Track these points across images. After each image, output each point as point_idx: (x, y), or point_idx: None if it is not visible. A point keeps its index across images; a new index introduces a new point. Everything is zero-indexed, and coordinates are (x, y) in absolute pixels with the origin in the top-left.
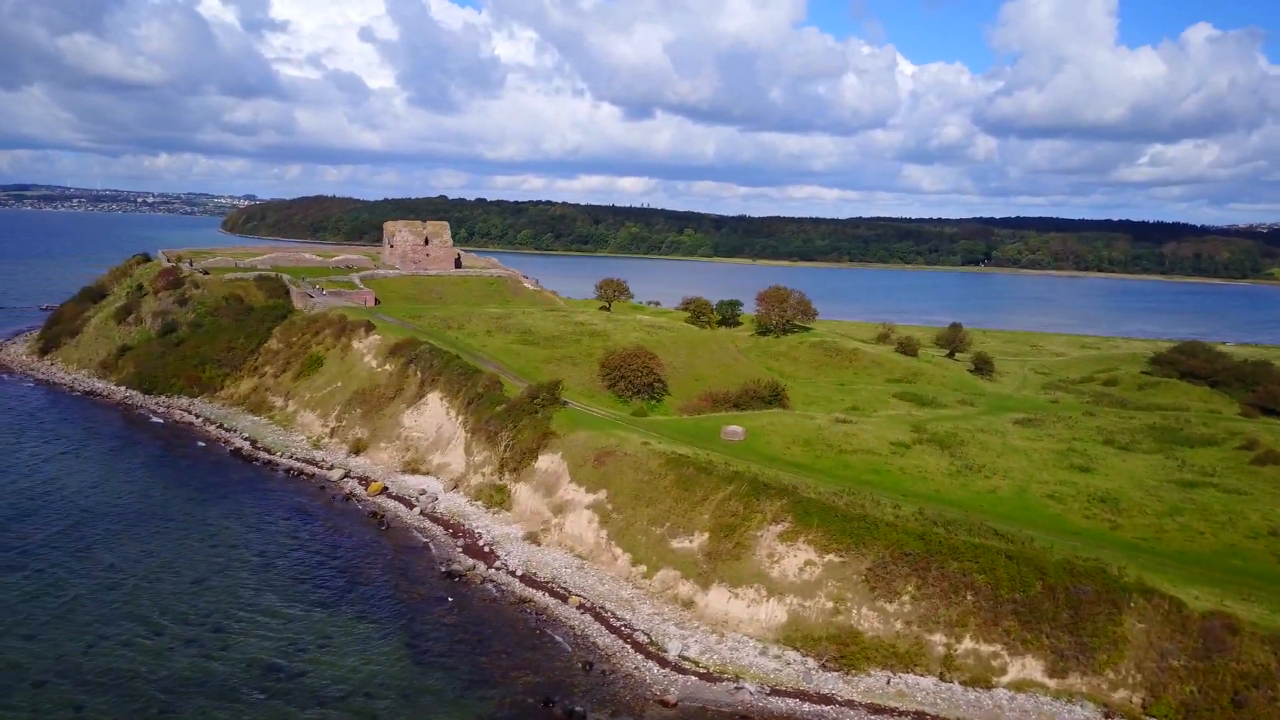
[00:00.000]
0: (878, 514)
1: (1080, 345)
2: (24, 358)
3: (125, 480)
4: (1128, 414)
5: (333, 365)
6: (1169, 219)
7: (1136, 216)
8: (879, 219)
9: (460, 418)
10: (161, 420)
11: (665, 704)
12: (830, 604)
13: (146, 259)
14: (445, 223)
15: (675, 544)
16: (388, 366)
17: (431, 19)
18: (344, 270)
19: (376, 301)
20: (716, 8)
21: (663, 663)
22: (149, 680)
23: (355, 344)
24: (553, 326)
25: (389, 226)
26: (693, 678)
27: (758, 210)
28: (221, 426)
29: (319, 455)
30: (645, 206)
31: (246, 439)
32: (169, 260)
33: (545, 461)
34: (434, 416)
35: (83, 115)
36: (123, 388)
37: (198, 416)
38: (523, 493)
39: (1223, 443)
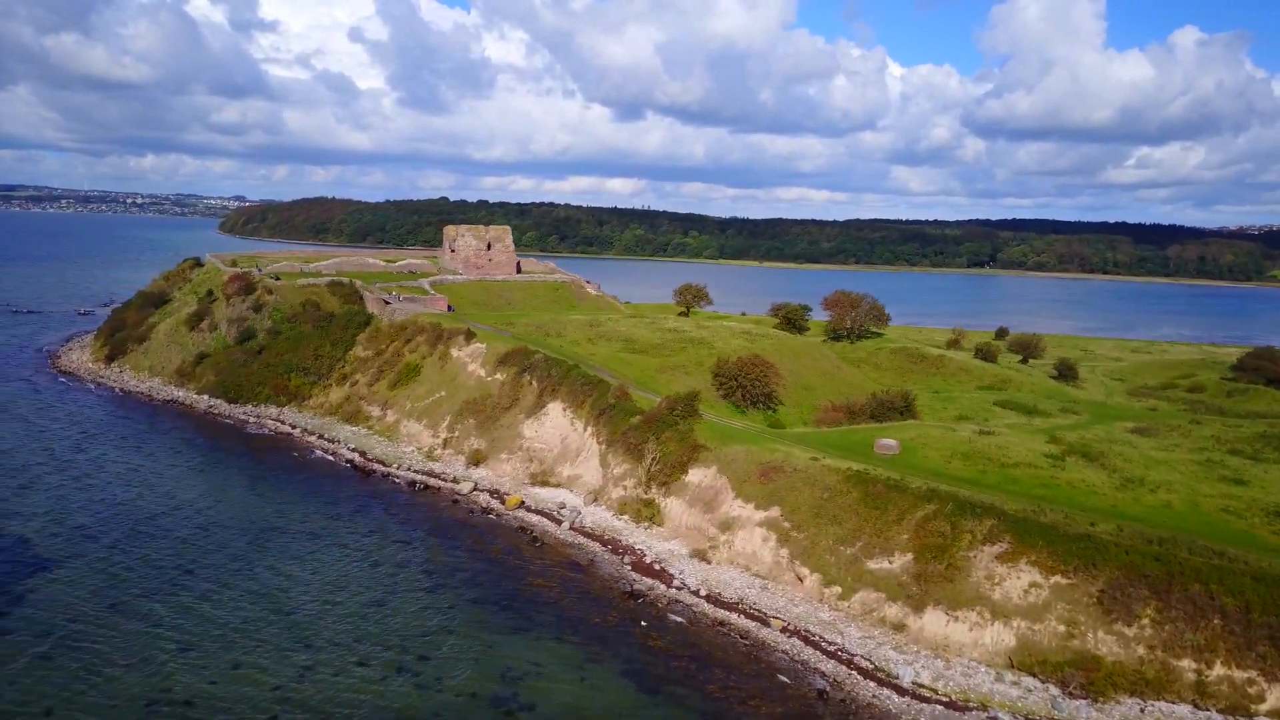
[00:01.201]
0: (1098, 533)
1: (1130, 350)
2: (90, 364)
3: (251, 493)
4: (1234, 422)
5: (432, 374)
6: (1154, 221)
7: (1125, 218)
8: (883, 221)
9: (590, 429)
10: (257, 430)
11: None
12: (1062, 628)
13: (198, 264)
14: (507, 227)
15: (872, 564)
16: (498, 375)
17: (421, 19)
18: (409, 275)
19: (449, 308)
20: (707, 9)
21: (899, 690)
22: (381, 712)
23: (454, 352)
24: (651, 334)
25: (450, 231)
26: (938, 706)
27: (746, 212)
28: (322, 437)
29: (436, 467)
30: (647, 209)
31: (353, 450)
32: (225, 265)
33: (697, 475)
34: (556, 427)
35: (68, 115)
36: (205, 396)
37: (293, 426)
38: (674, 507)
39: None
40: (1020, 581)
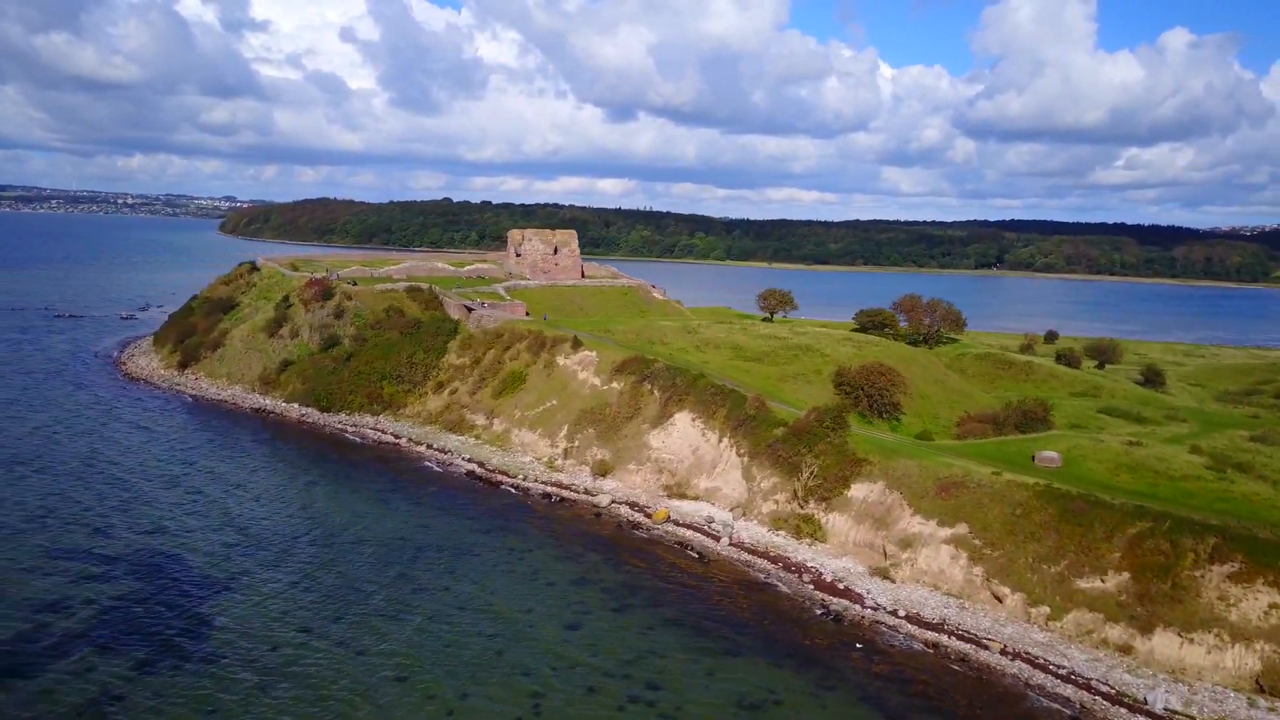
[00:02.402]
0: None
1: (1182, 353)
2: (162, 371)
3: (386, 507)
4: None
5: (538, 382)
6: (1141, 221)
7: (1112, 219)
8: (888, 222)
9: (727, 440)
10: (357, 439)
11: None
12: None
13: (254, 268)
14: (573, 232)
15: (1082, 584)
16: (615, 384)
17: (413, 20)
18: (478, 280)
19: (526, 314)
20: (700, 10)
21: (1152, 716)
22: None
23: (560, 360)
24: (756, 342)
25: (514, 235)
26: None
27: (737, 213)
28: (431, 447)
29: (562, 478)
30: (651, 210)
31: (469, 460)
32: (285, 268)
33: (862, 490)
34: (685, 438)
35: (56, 115)
36: (295, 405)
37: (397, 436)
38: (838, 523)
39: None
40: (1259, 603)
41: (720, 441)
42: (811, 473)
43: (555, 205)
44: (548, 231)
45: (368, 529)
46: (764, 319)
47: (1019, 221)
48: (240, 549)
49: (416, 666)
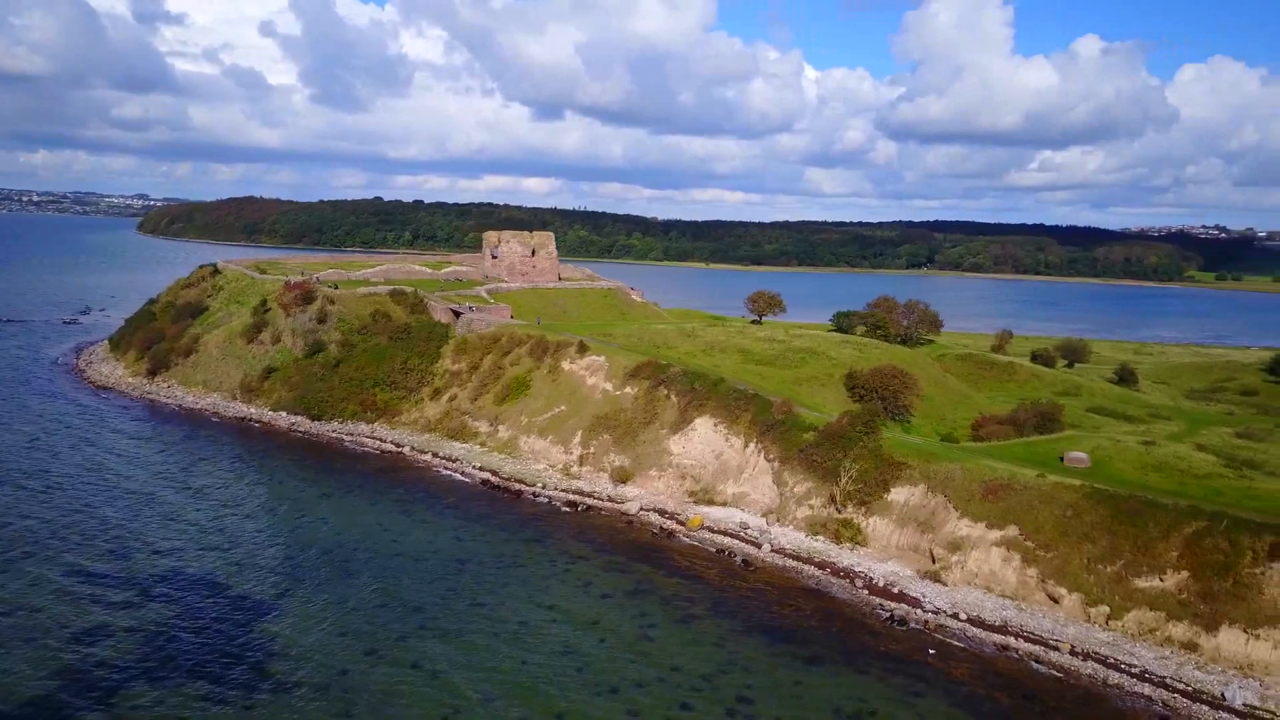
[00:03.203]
0: None
1: (1133, 351)
2: (129, 379)
3: (412, 520)
4: None
5: (543, 387)
6: (1056, 222)
7: (1027, 220)
8: (822, 223)
9: (754, 445)
10: (357, 448)
11: None
12: None
13: (216, 270)
14: (550, 234)
15: (1140, 583)
16: (629, 389)
17: (336, 15)
18: (457, 283)
19: (511, 317)
20: (628, 10)
21: (1235, 713)
22: None
23: (566, 365)
24: (761, 345)
25: (490, 236)
26: None
27: (663, 213)
28: (437, 455)
29: (582, 485)
30: (586, 209)
31: (478, 468)
32: (253, 271)
33: (903, 494)
34: (708, 443)
35: None
36: (283, 413)
37: (398, 445)
38: (879, 527)
39: None
40: None
41: (747, 447)
42: (850, 477)
43: (490, 205)
44: (525, 233)
45: (399, 542)
46: (753, 321)
47: (946, 222)
48: (275, 567)
49: (500, 687)
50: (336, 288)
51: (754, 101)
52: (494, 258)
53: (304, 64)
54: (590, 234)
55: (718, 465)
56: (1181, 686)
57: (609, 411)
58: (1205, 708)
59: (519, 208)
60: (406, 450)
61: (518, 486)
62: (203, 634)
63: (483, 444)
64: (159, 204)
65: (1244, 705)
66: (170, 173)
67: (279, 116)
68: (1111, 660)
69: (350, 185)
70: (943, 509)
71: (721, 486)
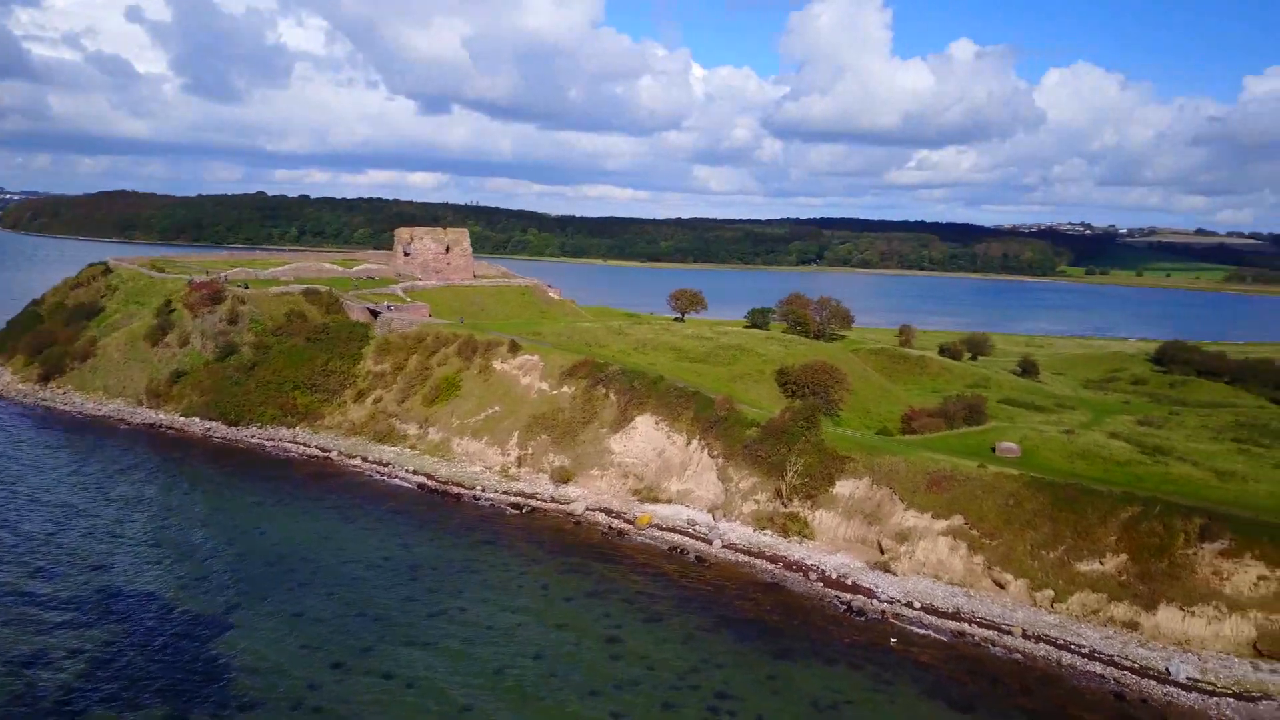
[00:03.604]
0: None
1: (1024, 344)
2: (19, 385)
3: (355, 527)
4: (1204, 412)
5: (475, 388)
6: (937, 219)
7: (904, 216)
8: (716, 220)
9: (698, 442)
10: (282, 454)
11: None
12: None
13: (108, 269)
14: (465, 230)
15: (1082, 567)
16: (565, 389)
17: (210, 1)
18: (370, 282)
19: (429, 315)
20: (516, 4)
21: (1183, 686)
22: None
23: (497, 365)
24: (691, 343)
25: (404, 233)
26: (1227, 699)
27: (552, 208)
28: (366, 459)
29: (523, 487)
30: (479, 205)
31: (412, 471)
32: (149, 270)
33: (848, 487)
34: (649, 441)
35: None
36: (196, 419)
37: (324, 449)
38: (826, 520)
39: None
40: (1249, 575)
41: (690, 444)
42: (796, 471)
43: (379, 200)
44: (439, 230)
45: (345, 550)
46: (675, 319)
47: (833, 219)
48: (221, 580)
49: (480, 694)
50: (247, 287)
51: (643, 98)
52: (406, 255)
53: (175, 52)
54: (484, 229)
55: (660, 463)
56: (1129, 664)
57: (546, 411)
58: (1153, 683)
59: (410, 203)
60: (334, 455)
61: (456, 490)
62: (158, 653)
63: (413, 447)
64: (16, 198)
65: (1187, 679)
66: (27, 164)
67: (148, 106)
68: (1061, 642)
69: (226, 179)
70: (889, 501)
71: (665, 484)
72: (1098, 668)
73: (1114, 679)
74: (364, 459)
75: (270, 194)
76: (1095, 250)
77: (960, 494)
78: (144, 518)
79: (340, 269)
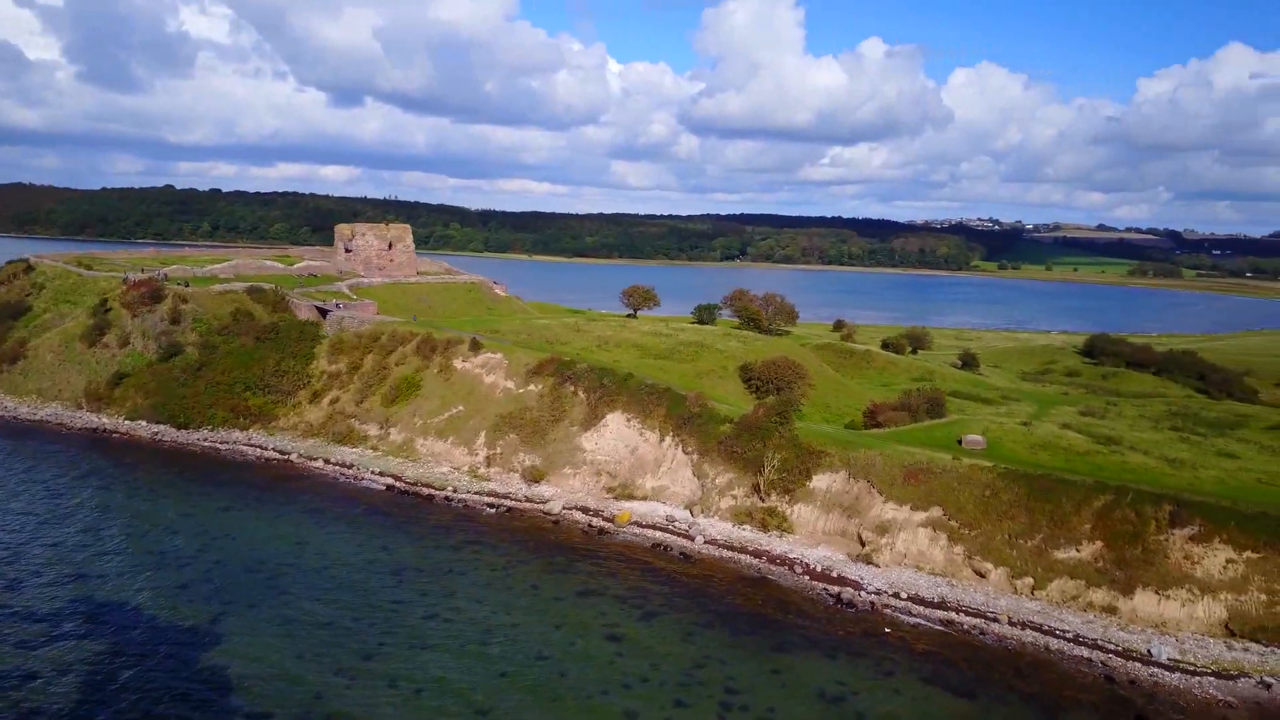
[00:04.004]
0: (1271, 510)
1: (954, 337)
2: None
3: (327, 531)
4: (1139, 402)
5: (435, 387)
6: (854, 215)
7: (826, 213)
8: (640, 216)
9: (671, 439)
10: (239, 457)
11: (1230, 706)
12: (1264, 596)
13: (29, 267)
14: (407, 226)
15: (1059, 555)
16: (532, 387)
17: None
18: (313, 279)
19: (376, 313)
20: None
21: (1166, 667)
22: None
23: (458, 363)
24: (652, 340)
25: (345, 229)
26: (1209, 678)
27: (470, 202)
28: (329, 461)
29: (493, 486)
30: (397, 199)
31: (377, 473)
32: (75, 267)
33: (824, 481)
34: (621, 438)
35: None
36: (142, 422)
37: (282, 452)
38: (804, 514)
39: (1248, 423)
40: (1218, 559)
41: (663, 440)
42: (773, 466)
43: (295, 194)
44: (381, 226)
45: (323, 555)
46: (628, 315)
47: (753, 215)
48: (199, 589)
49: (493, 698)
50: (188, 285)
51: (559, 93)
52: (348, 251)
53: (68, 38)
54: (402, 222)
55: (633, 460)
56: (1112, 647)
57: (513, 410)
58: (1138, 665)
59: (327, 197)
60: (294, 457)
61: (427, 491)
62: (149, 669)
63: (374, 448)
64: None
65: (1169, 659)
66: None
67: (41, 95)
68: (1046, 627)
69: (128, 171)
70: (867, 494)
71: (640, 481)
72: (1084, 651)
73: (1101, 662)
74: (326, 461)
75: (179, 187)
76: (1004, 245)
77: (937, 486)
78: (111, 526)
79: (282, 266)
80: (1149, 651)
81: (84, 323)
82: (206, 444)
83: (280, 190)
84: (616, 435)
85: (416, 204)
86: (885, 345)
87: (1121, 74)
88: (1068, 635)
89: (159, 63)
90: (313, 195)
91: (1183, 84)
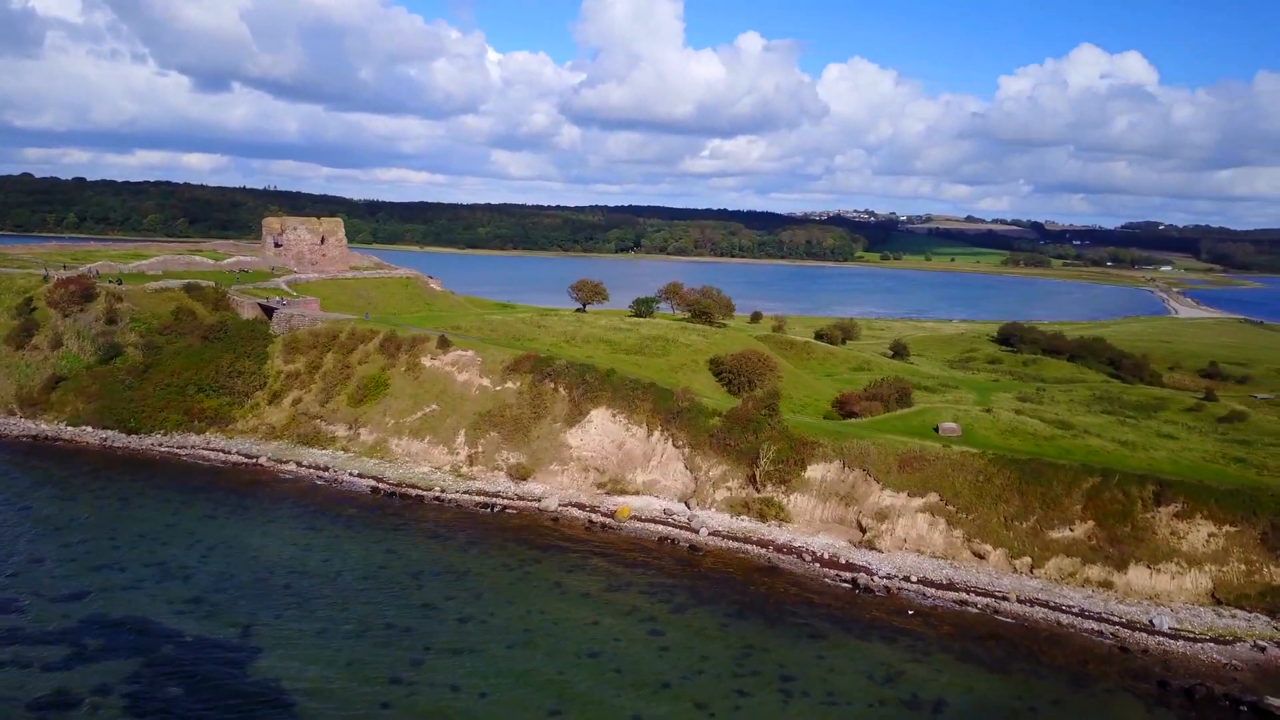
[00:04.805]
0: (1243, 487)
1: (866, 327)
2: None
3: (321, 535)
4: (1066, 387)
5: (405, 386)
6: (739, 207)
7: (711, 205)
8: (533, 207)
9: (660, 433)
10: (203, 462)
11: (1235, 668)
12: (1243, 566)
13: None
14: (339, 220)
15: (1054, 534)
16: (510, 385)
17: None
18: (245, 275)
19: (319, 309)
20: None
21: (1169, 635)
22: None
23: (427, 361)
24: (617, 335)
25: (273, 223)
26: (1209, 644)
27: (349, 192)
28: (302, 464)
29: (481, 485)
30: (275, 189)
31: (356, 474)
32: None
33: (819, 471)
34: (607, 434)
35: None
36: (88, 428)
37: (249, 455)
38: (801, 503)
39: (1168, 406)
40: (1201, 533)
41: (651, 435)
42: (769, 458)
43: (169, 183)
44: (314, 220)
45: (331, 562)
46: (577, 310)
47: (644, 207)
48: (213, 601)
49: (556, 699)
50: (120, 283)
51: (438, 81)
52: (277, 246)
53: None
54: (288, 214)
55: (621, 455)
56: (1117, 619)
57: (492, 408)
58: (1144, 634)
59: (202, 186)
60: (263, 460)
61: (415, 492)
62: (198, 686)
63: (344, 449)
64: None
65: (1170, 629)
66: None
67: None
68: (1053, 604)
69: None
70: (863, 482)
71: (630, 476)
72: (1093, 625)
73: (1111, 634)
74: (298, 464)
75: (39, 175)
76: (881, 236)
77: (932, 473)
78: (90, 539)
79: (210, 262)
80: (1151, 622)
81: (7, 324)
82: (162, 449)
83: (152, 180)
84: (602, 431)
85: (298, 194)
86: (819, 336)
87: (985, 71)
88: (1074, 610)
89: (2, 41)
90: (188, 185)
91: (1040, 82)
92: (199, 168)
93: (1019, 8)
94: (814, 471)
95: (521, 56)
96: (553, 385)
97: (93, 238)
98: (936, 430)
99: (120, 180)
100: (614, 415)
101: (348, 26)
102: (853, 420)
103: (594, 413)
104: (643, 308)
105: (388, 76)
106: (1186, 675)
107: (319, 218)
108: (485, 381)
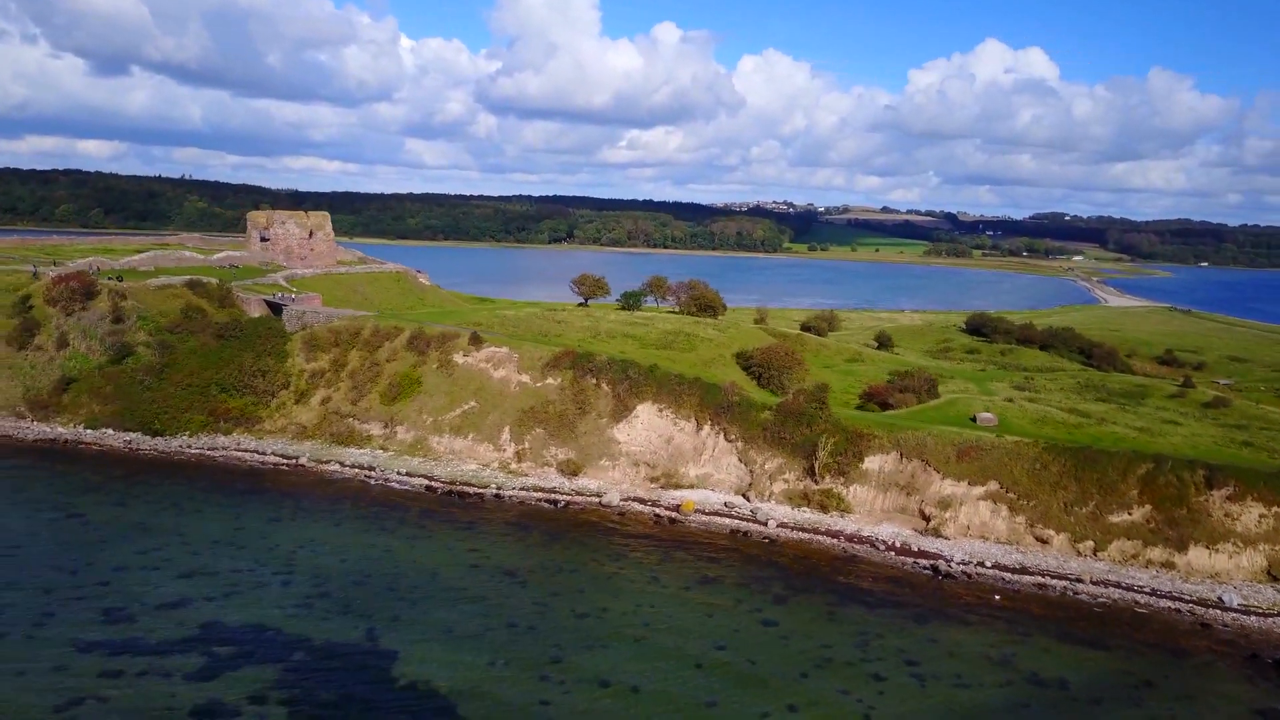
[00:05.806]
0: None
1: (829, 319)
2: None
3: (393, 536)
4: (1052, 375)
5: (439, 383)
6: (649, 196)
7: (626, 195)
8: (463, 197)
9: (710, 428)
10: (239, 463)
11: None
12: None
13: None
14: (326, 214)
15: (1114, 519)
16: (550, 381)
17: None
18: (239, 270)
19: (321, 304)
20: None
21: (1240, 611)
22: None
23: (459, 358)
24: (640, 330)
25: (259, 217)
26: (1272, 619)
27: (256, 180)
28: (343, 464)
29: (535, 481)
30: (191, 178)
31: (406, 473)
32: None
33: (876, 462)
34: (654, 429)
35: None
36: (108, 430)
37: (286, 456)
38: (861, 494)
39: (1152, 393)
40: (1253, 515)
41: (701, 429)
42: (827, 450)
43: (81, 171)
44: (301, 214)
45: (420, 563)
46: (580, 304)
47: (574, 198)
48: (323, 606)
49: (709, 692)
50: (120, 279)
51: (349, 67)
52: (264, 240)
53: None
54: (211, 205)
55: (671, 450)
56: (1188, 597)
57: (535, 405)
58: (1216, 611)
59: (116, 175)
60: (304, 461)
61: (472, 490)
62: (349, 689)
63: (382, 447)
64: None
65: (1239, 605)
66: None
67: None
68: (1124, 584)
69: None
70: (922, 472)
71: (682, 470)
72: (1167, 603)
73: (1188, 611)
74: (341, 464)
75: None
76: (804, 226)
77: (989, 462)
78: (163, 545)
79: (200, 257)
80: (1220, 599)
81: (6, 323)
82: (193, 452)
83: (64, 168)
84: (649, 426)
85: (218, 184)
86: (806, 328)
87: (896, 64)
88: (1145, 590)
89: None
90: (100, 174)
91: (948, 76)
92: (96, 154)
93: (927, 2)
94: (871, 463)
95: (436, 43)
96: (595, 381)
97: (7, 229)
98: (974, 420)
99: (27, 169)
100: (660, 410)
101: (253, 10)
102: (894, 412)
103: (640, 408)
104: (630, 300)
105: (296, 62)
106: (1269, 648)
107: (306, 211)
108: (524, 378)
